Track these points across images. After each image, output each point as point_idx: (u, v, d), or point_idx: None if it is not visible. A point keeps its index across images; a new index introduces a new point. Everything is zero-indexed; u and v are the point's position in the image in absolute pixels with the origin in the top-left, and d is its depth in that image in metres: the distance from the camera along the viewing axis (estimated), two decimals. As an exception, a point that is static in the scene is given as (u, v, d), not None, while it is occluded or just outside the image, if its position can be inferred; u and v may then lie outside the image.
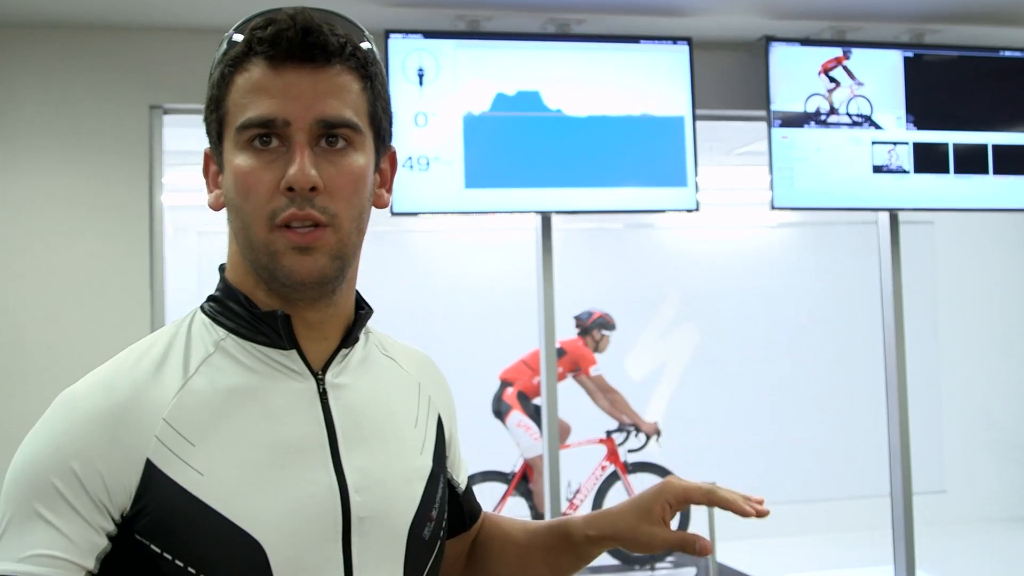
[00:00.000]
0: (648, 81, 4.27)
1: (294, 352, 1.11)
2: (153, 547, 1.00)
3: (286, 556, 1.03)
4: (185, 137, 4.77)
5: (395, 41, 4.02)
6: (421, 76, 4.03)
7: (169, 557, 1.00)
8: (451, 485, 1.32)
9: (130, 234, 4.05)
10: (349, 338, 1.16)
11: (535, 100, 4.16)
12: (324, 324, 1.13)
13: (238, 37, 1.08)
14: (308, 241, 1.05)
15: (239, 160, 1.06)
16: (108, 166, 4.05)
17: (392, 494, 1.13)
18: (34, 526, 0.99)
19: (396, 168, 1.20)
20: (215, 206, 1.13)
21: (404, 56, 4.01)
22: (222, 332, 1.11)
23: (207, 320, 1.13)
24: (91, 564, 0.99)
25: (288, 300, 1.10)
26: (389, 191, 1.18)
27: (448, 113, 4.07)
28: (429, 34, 4.08)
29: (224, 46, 1.09)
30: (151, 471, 1.01)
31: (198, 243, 6.80)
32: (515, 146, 4.15)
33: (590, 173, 4.20)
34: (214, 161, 1.13)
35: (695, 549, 1.18)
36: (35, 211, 4.00)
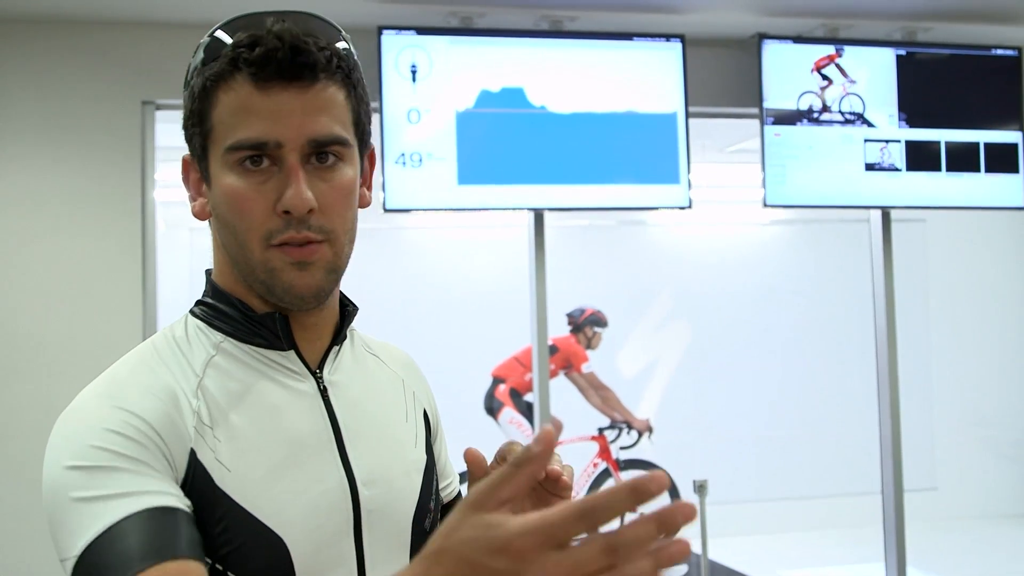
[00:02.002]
0: (641, 78, 4.27)
1: (292, 352, 1.12)
2: None
3: (306, 551, 1.04)
4: (177, 133, 4.78)
5: (388, 37, 4.02)
6: (414, 72, 4.03)
7: None
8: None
9: (122, 230, 4.05)
10: (339, 336, 1.18)
11: (527, 97, 4.16)
12: (317, 325, 1.14)
13: (218, 46, 1.07)
14: (305, 256, 1.07)
15: (230, 180, 1.06)
16: (100, 162, 4.05)
17: (396, 488, 1.15)
18: (140, 468, 0.97)
19: (375, 163, 1.21)
20: (200, 215, 1.13)
21: (397, 52, 4.01)
22: (219, 335, 1.11)
23: (201, 324, 1.12)
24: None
25: (281, 305, 1.11)
26: (370, 188, 1.19)
27: (441, 109, 4.06)
28: (422, 30, 4.07)
29: (201, 53, 1.09)
30: (194, 461, 1.01)
31: (190, 239, 6.78)
32: (508, 143, 4.15)
33: (583, 170, 4.20)
34: (195, 169, 1.13)
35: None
36: (27, 207, 3.99)
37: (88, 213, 4.03)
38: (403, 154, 4.01)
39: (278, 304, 1.10)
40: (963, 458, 7.93)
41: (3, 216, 3.98)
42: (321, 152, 1.07)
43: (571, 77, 4.21)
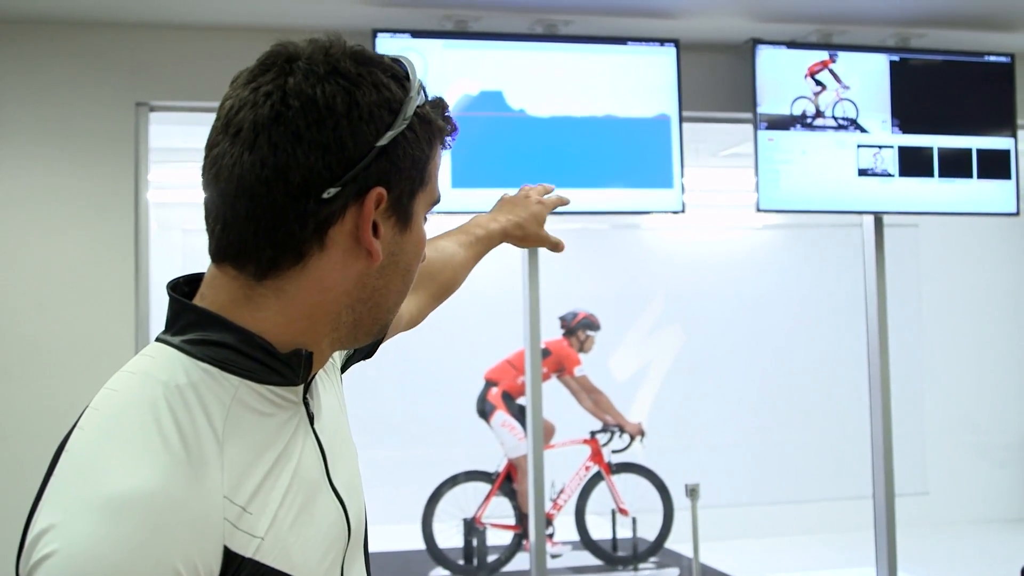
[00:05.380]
0: (635, 82, 4.28)
1: (302, 385, 1.06)
2: None
3: None
4: (171, 135, 4.77)
5: (383, 40, 4.02)
6: (408, 75, 4.03)
7: None
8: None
9: (115, 231, 4.04)
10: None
11: (522, 100, 4.17)
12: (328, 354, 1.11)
13: (425, 98, 1.08)
14: None
15: (424, 228, 1.11)
16: (94, 163, 4.04)
17: (359, 495, 1.15)
18: None
19: None
20: (376, 259, 1.04)
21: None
22: (235, 380, 1.00)
23: (211, 369, 0.99)
24: None
25: (352, 344, 1.13)
26: None
27: (435, 113, 4.06)
28: (417, 34, 4.08)
29: (423, 96, 1.07)
30: (228, 556, 0.93)
31: (183, 240, 6.77)
32: (502, 146, 4.16)
33: (576, 174, 4.21)
34: (394, 212, 1.05)
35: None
36: (20, 208, 3.99)
37: (81, 214, 4.03)
38: (397, 157, 4.01)
39: (350, 343, 1.11)
40: (954, 462, 7.95)
41: (-4, 216, 3.97)
42: None
43: (565, 81, 4.22)
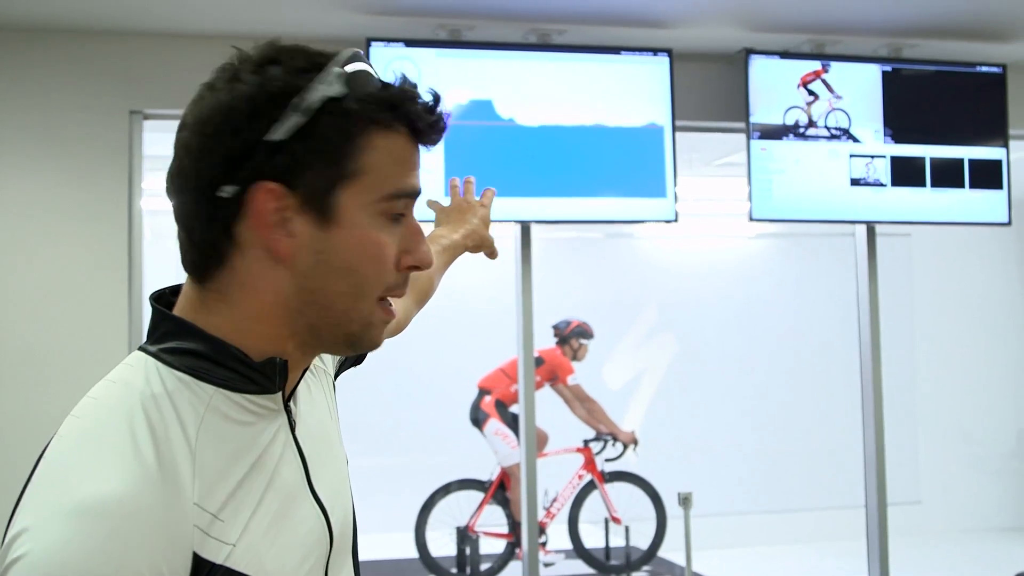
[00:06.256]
0: (628, 92, 4.29)
1: (279, 393, 1.07)
2: None
3: None
4: (165, 143, 4.77)
5: (377, 49, 4.03)
6: (402, 84, 4.04)
7: None
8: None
9: (109, 239, 4.04)
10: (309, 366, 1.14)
11: (515, 109, 4.18)
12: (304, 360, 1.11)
13: (366, 83, 1.02)
14: (393, 315, 1.09)
15: (375, 228, 1.03)
16: (88, 171, 4.04)
17: (345, 502, 1.16)
18: None
19: None
20: (288, 257, 1.02)
21: (386, 64, 4.02)
22: (209, 389, 1.01)
23: (185, 377, 1.01)
24: None
25: (332, 353, 1.14)
26: None
27: (429, 121, 4.07)
28: (411, 43, 4.08)
29: (342, 86, 1.01)
30: (197, 562, 0.94)
31: (177, 248, 6.76)
32: (496, 155, 4.17)
33: (570, 183, 4.22)
34: (299, 206, 1.01)
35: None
36: (13, 216, 3.99)
37: (75, 222, 4.03)
38: (391, 165, 4.02)
39: (339, 353, 1.11)
40: (947, 472, 7.97)
41: (-11, 224, 3.97)
42: None
43: (559, 91, 4.23)
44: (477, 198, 1.86)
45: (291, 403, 1.09)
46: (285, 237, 1.01)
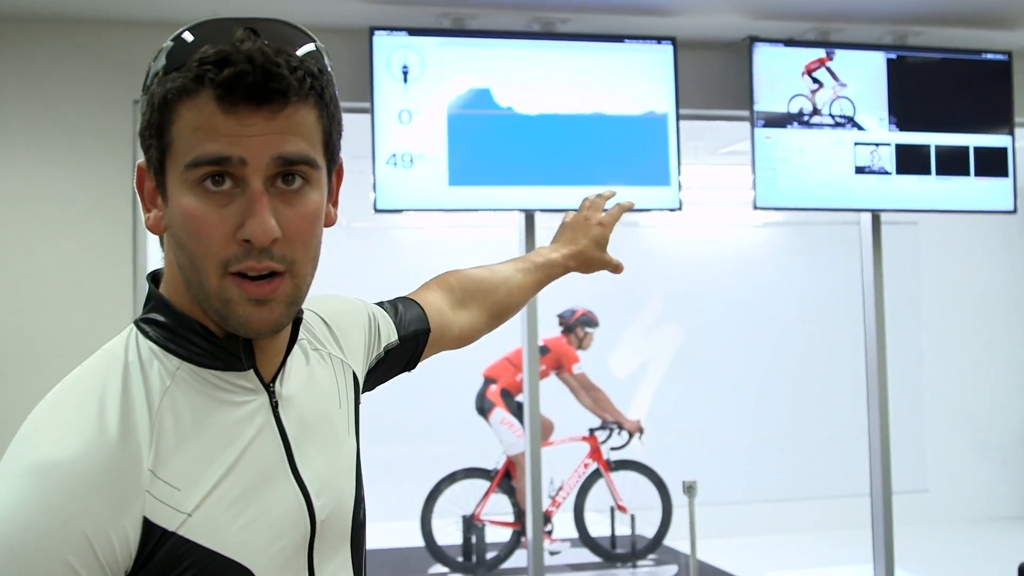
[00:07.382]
0: (632, 80, 4.28)
1: (251, 371, 1.07)
2: None
3: (271, 574, 1.04)
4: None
5: (380, 38, 4.02)
6: (405, 73, 4.04)
7: None
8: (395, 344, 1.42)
9: (113, 229, 4.04)
10: (293, 346, 1.14)
11: (518, 98, 4.17)
12: (276, 342, 1.10)
13: (182, 54, 1.01)
14: (265, 294, 1.01)
15: (188, 200, 0.99)
16: (91, 162, 4.04)
17: (340, 490, 1.15)
18: None
19: (343, 178, 1.15)
20: (155, 229, 1.06)
21: (388, 53, 4.02)
22: (175, 361, 1.04)
23: (156, 348, 1.05)
24: None
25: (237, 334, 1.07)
26: (336, 205, 1.13)
27: (432, 111, 4.07)
28: (414, 31, 4.08)
29: (164, 60, 1.02)
30: (148, 527, 0.96)
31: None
32: (499, 144, 4.16)
33: (573, 171, 4.21)
34: (150, 179, 1.05)
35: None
36: (17, 207, 3.99)
37: (79, 213, 4.03)
38: (394, 155, 4.02)
39: (225, 325, 1.04)
40: (953, 460, 7.96)
41: (-6, 215, 3.98)
42: (287, 174, 1.00)
43: (562, 79, 4.22)
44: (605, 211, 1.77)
45: (276, 383, 1.10)
46: (155, 211, 1.06)
